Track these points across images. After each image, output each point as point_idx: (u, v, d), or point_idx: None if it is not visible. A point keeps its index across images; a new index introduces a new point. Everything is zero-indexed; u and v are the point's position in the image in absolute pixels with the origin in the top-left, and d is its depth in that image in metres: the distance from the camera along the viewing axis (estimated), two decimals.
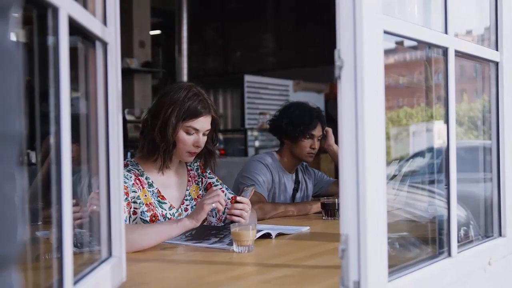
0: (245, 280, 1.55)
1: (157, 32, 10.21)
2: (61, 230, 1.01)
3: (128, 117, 6.93)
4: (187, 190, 2.32)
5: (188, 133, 2.18)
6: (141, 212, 2.12)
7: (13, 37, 0.57)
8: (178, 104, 2.15)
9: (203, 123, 2.20)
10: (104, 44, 1.34)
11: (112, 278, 1.33)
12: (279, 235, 2.16)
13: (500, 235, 1.80)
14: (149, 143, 2.18)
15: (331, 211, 2.64)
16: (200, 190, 2.37)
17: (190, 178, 2.36)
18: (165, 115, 2.14)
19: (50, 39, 1.02)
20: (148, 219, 2.13)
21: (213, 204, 1.97)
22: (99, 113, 1.35)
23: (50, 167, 1.02)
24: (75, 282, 1.09)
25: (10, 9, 0.56)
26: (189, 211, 2.27)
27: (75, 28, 1.12)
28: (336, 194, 2.95)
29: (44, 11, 1.00)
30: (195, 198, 2.33)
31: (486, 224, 1.86)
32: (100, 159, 1.36)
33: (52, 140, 1.01)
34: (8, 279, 0.56)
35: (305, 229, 2.34)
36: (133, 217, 2.10)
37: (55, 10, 1.00)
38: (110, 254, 1.37)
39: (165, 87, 2.25)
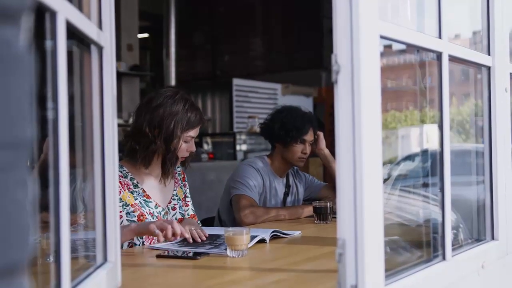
0: (241, 285, 1.55)
1: (145, 35, 10.19)
2: (59, 235, 1.00)
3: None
4: (174, 190, 2.42)
5: (186, 141, 2.29)
6: (126, 213, 2.18)
7: (24, 42, 0.56)
8: (180, 117, 2.24)
9: (198, 130, 2.33)
10: (100, 48, 1.34)
11: (107, 283, 1.32)
12: (273, 238, 2.16)
13: (492, 238, 1.81)
14: (151, 154, 2.24)
15: (323, 215, 2.64)
16: (183, 193, 2.47)
17: (176, 180, 2.45)
18: (169, 128, 2.21)
19: (48, 43, 1.01)
20: (135, 219, 2.20)
21: (157, 231, 1.92)
22: (94, 117, 1.34)
23: (40, 170, 1.02)
24: None
25: (22, 15, 0.55)
26: (177, 210, 2.38)
27: (71, 32, 1.11)
28: (327, 198, 2.96)
29: (41, 15, 0.99)
30: (182, 199, 2.44)
31: (478, 227, 1.87)
32: (95, 164, 1.35)
33: (50, 144, 1.00)
34: (21, 284, 0.56)
35: (297, 233, 2.34)
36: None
37: (53, 14, 0.99)
38: (105, 259, 1.36)
39: (155, 97, 2.28)
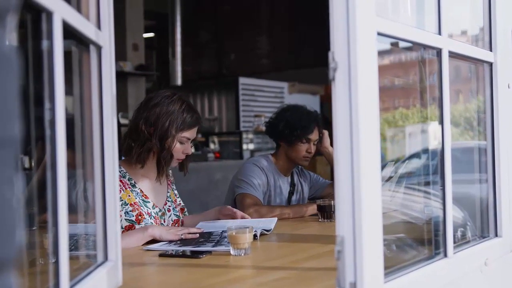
0: (242, 283, 1.55)
1: (151, 34, 10.20)
2: (57, 235, 1.00)
3: (122, 121, 6.89)
4: (168, 192, 2.46)
5: (181, 142, 2.31)
6: (125, 212, 2.21)
7: (10, 41, 0.57)
8: (175, 116, 2.26)
9: (195, 132, 2.36)
10: (98, 48, 1.34)
11: (108, 282, 1.32)
12: (263, 235, 2.20)
13: (496, 235, 1.81)
14: (146, 152, 2.27)
15: (327, 213, 2.64)
16: (175, 196, 2.51)
17: (169, 183, 2.50)
18: (163, 126, 2.25)
19: (44, 43, 1.01)
20: (134, 218, 2.23)
21: (182, 236, 2.12)
22: (94, 118, 1.35)
23: (44, 172, 1.02)
24: (71, 286, 1.09)
25: (8, 14, 0.56)
26: (172, 212, 2.42)
27: (69, 32, 1.12)
28: (331, 196, 2.95)
29: (38, 15, 1.00)
30: (174, 201, 2.47)
31: (482, 224, 1.86)
32: (95, 164, 1.36)
33: (47, 144, 1.00)
34: (8, 282, 0.57)
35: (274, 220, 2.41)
36: None
37: (49, 14, 1.00)
38: (106, 258, 1.37)
39: (154, 96, 2.33)
